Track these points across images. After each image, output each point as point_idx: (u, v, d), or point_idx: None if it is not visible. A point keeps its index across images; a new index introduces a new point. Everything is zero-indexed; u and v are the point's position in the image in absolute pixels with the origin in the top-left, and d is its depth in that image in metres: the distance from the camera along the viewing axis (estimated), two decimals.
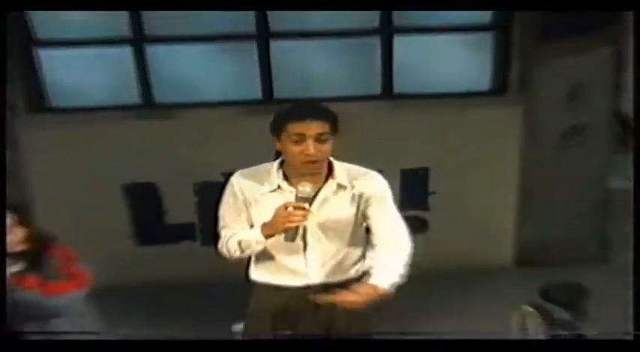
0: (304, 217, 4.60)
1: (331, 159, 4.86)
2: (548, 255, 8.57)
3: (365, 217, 4.94)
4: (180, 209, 8.51)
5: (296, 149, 4.63)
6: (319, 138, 4.64)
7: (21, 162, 8.32)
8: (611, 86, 8.73)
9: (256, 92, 8.39)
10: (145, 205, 8.57)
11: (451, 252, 8.46)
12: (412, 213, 8.44)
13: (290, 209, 4.59)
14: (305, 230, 4.83)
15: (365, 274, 4.91)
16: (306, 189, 4.62)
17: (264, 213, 4.74)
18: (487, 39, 8.32)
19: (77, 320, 5.34)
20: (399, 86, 8.42)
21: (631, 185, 8.89)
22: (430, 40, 8.36)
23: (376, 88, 8.46)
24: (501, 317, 6.90)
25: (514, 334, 6.74)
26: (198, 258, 8.52)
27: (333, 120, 4.74)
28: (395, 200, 7.83)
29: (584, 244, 8.84)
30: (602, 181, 8.86)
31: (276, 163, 4.86)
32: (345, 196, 4.88)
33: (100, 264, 5.46)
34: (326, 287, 4.87)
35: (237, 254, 4.92)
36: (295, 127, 4.62)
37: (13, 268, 5.23)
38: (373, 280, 4.71)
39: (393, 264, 4.82)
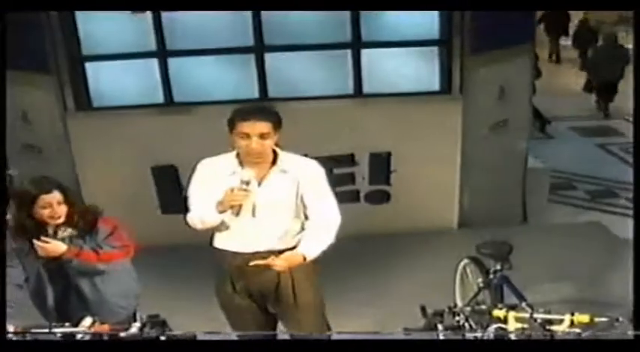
0: (245, 196, 4.79)
1: (276, 149, 5.01)
2: (482, 218, 8.89)
3: (301, 196, 5.06)
4: None
5: (242, 143, 4.81)
6: (262, 136, 4.80)
7: (70, 150, 8.61)
8: (529, 88, 8.95)
9: (254, 92, 8.72)
10: (167, 182, 8.74)
11: (408, 217, 8.85)
12: (378, 187, 8.79)
13: (234, 190, 4.76)
14: (254, 207, 4.96)
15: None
16: (246, 174, 4.80)
17: (222, 192, 4.84)
18: (435, 51, 8.68)
19: (119, 276, 5.41)
20: (367, 87, 8.84)
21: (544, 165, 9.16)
22: (391, 52, 8.68)
23: (349, 89, 8.85)
24: (447, 266, 7.19)
25: (457, 280, 6.90)
26: None
27: (275, 119, 4.90)
28: (365, 177, 8.05)
29: (509, 210, 9.24)
30: (521, 161, 9.11)
31: (234, 153, 4.98)
32: (287, 179, 5.01)
33: (133, 228, 5.59)
34: (271, 253, 4.95)
35: (200, 226, 5.05)
36: (242, 126, 4.78)
37: (64, 234, 5.16)
38: (300, 248, 4.95)
39: (319, 236, 5.03)
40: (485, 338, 4.04)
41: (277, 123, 4.89)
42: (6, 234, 5.06)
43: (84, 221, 5.18)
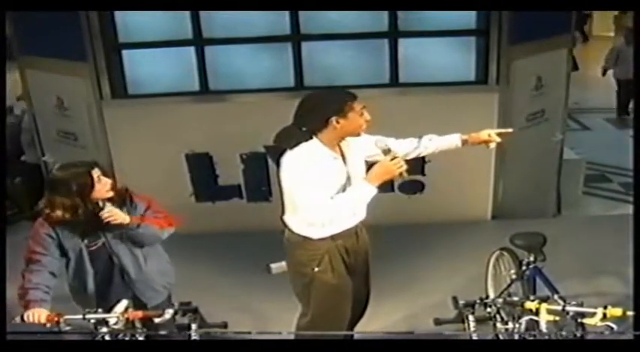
0: (401, 160, 4.90)
1: None
2: (516, 209, 8.85)
3: (376, 142, 5.11)
4: (229, 174, 8.79)
5: (362, 119, 4.98)
6: None
7: (105, 137, 8.66)
8: (566, 79, 8.82)
9: (290, 81, 8.74)
10: (201, 170, 8.78)
11: (442, 208, 8.83)
12: (412, 177, 8.63)
13: (395, 159, 4.85)
14: (350, 182, 5.06)
15: None
16: (382, 143, 4.99)
17: (331, 177, 4.94)
18: (472, 41, 8.62)
19: (158, 255, 5.40)
20: (403, 77, 8.80)
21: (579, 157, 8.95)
22: (427, 41, 8.63)
23: (385, 78, 8.82)
24: (480, 258, 7.13)
25: (490, 271, 6.82)
26: (243, 212, 8.73)
27: None
28: None
29: (544, 201, 9.24)
30: (557, 152, 9.05)
31: (316, 141, 4.97)
32: (355, 150, 5.18)
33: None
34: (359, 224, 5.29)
35: (349, 209, 5.04)
36: (359, 104, 4.97)
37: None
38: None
39: None
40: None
41: None
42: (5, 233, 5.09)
43: (121, 197, 5.23)
